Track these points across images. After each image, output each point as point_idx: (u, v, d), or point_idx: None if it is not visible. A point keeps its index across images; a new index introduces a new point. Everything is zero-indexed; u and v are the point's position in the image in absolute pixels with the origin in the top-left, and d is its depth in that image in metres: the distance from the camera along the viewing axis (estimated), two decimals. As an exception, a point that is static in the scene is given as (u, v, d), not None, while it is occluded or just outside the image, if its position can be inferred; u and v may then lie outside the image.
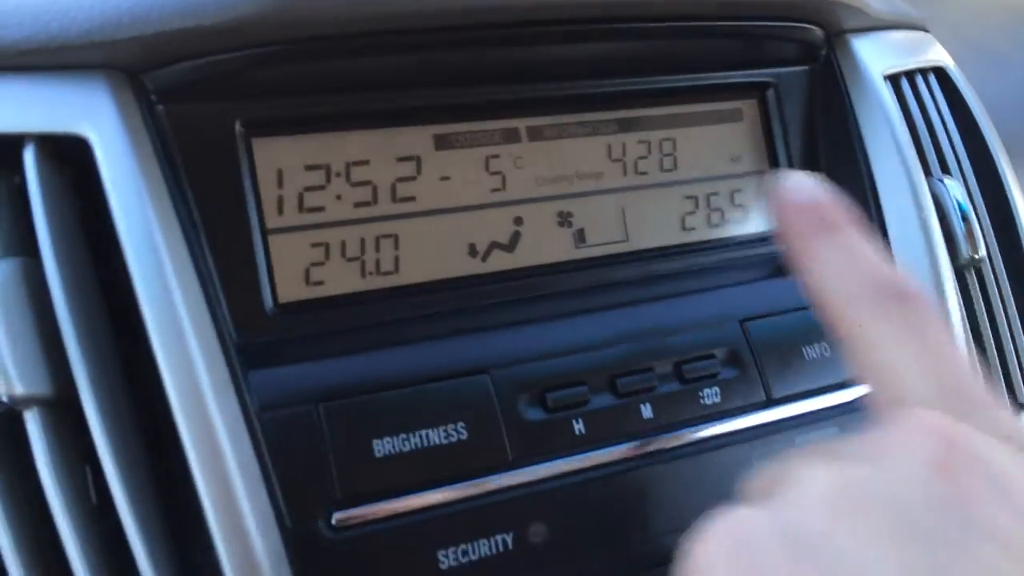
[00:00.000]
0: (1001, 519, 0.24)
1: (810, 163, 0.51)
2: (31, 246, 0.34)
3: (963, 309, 0.49)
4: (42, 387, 0.32)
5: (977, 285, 0.51)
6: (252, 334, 0.38)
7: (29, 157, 0.34)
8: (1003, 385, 0.50)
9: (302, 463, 0.35)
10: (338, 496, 0.35)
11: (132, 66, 0.36)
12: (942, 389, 0.29)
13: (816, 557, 0.23)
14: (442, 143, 0.43)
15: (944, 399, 0.29)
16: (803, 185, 0.36)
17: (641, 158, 0.48)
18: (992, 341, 0.50)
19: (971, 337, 0.49)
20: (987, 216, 0.54)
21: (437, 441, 0.37)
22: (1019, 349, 0.52)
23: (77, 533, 0.31)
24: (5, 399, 0.31)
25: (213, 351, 0.34)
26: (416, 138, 0.43)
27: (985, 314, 0.51)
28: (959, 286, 0.49)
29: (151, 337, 0.33)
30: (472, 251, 0.43)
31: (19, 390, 0.31)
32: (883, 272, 0.33)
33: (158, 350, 0.33)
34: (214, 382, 0.34)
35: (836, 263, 0.33)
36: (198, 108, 0.38)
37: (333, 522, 0.35)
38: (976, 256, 0.50)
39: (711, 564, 0.25)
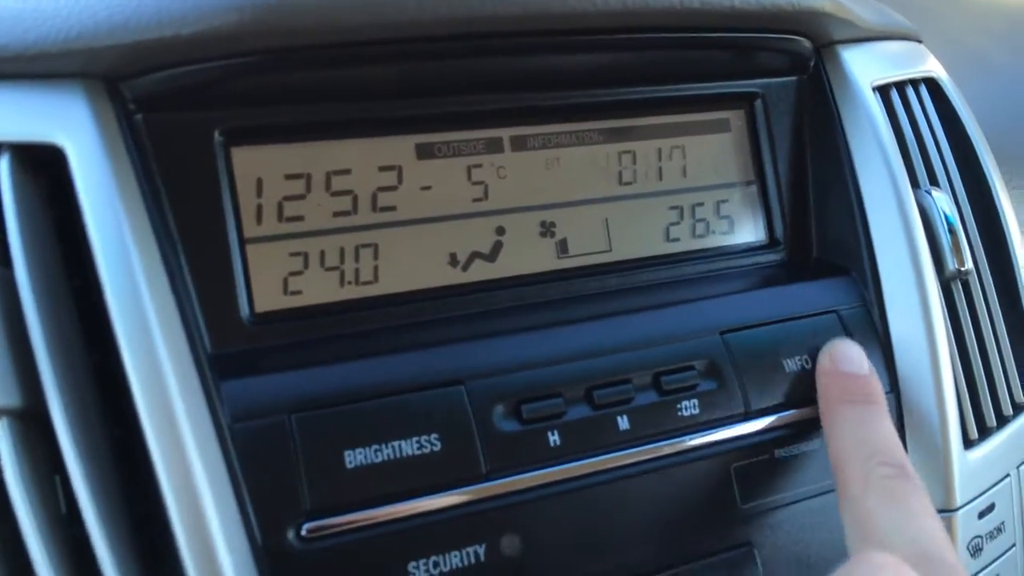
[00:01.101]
0: None
1: (797, 174, 0.51)
2: (3, 255, 0.34)
3: (948, 322, 0.48)
4: (11, 398, 0.32)
5: (964, 298, 0.50)
6: (227, 344, 0.38)
7: (3, 166, 0.34)
8: (989, 400, 0.50)
9: (273, 474, 0.35)
10: (309, 507, 0.35)
11: (110, 74, 0.36)
12: (911, 551, 0.34)
13: None
14: (424, 152, 0.43)
15: (910, 559, 0.33)
16: (848, 356, 0.43)
17: (626, 168, 0.48)
18: (978, 354, 0.50)
19: (956, 350, 0.49)
20: (975, 228, 0.53)
21: (410, 452, 0.37)
22: (1005, 361, 0.52)
23: (43, 541, 0.31)
24: (-27, 409, 0.31)
25: (184, 362, 0.34)
26: (398, 147, 0.43)
27: (971, 327, 0.50)
28: (945, 298, 0.49)
29: (121, 347, 0.33)
30: (453, 261, 0.43)
31: (-12, 400, 0.31)
32: (889, 448, 0.39)
33: (128, 361, 0.33)
34: (184, 393, 0.34)
35: (852, 431, 0.40)
36: (176, 117, 0.38)
37: (303, 533, 0.35)
38: (963, 268, 0.49)
39: None
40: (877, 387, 0.43)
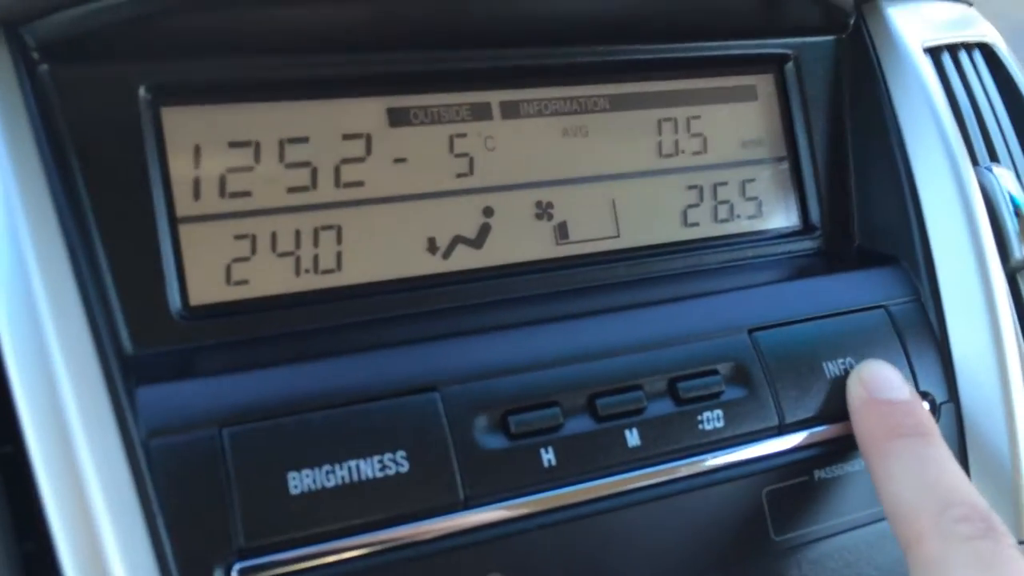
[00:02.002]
0: None
1: (836, 149, 0.45)
2: None
3: (1016, 318, 0.42)
4: None
5: (1032, 291, 0.44)
6: (152, 343, 0.32)
7: None
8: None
9: (197, 502, 0.28)
10: (242, 543, 0.28)
11: (7, 16, 0.31)
12: None
13: None
14: (397, 118, 0.38)
15: None
16: (884, 380, 0.37)
17: (636, 141, 0.42)
18: (1050, 357, 0.43)
19: (1025, 352, 0.42)
20: (1042, 211, 0.46)
21: (370, 474, 0.30)
22: (1081, 366, 0.45)
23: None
24: None
25: (87, 365, 0.28)
26: (366, 111, 0.37)
27: (1042, 325, 0.43)
28: (1011, 292, 0.42)
29: (3, 348, 0.27)
30: (431, 247, 0.38)
31: None
32: (963, 493, 0.33)
33: (11, 363, 0.27)
34: (85, 403, 0.27)
35: (912, 473, 0.33)
36: (92, 70, 0.32)
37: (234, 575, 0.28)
38: (1031, 257, 0.43)
39: None
40: (926, 413, 0.36)
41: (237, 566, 0.28)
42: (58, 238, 0.29)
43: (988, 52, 0.50)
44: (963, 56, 0.48)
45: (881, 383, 0.37)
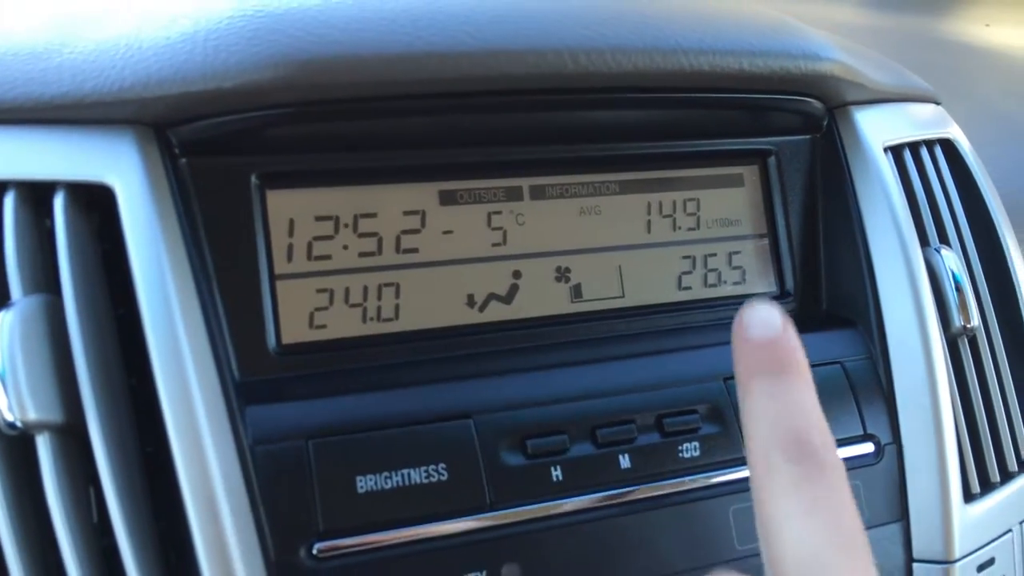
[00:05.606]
0: None
1: (809, 229, 0.53)
2: (55, 284, 0.37)
3: (952, 378, 0.50)
4: (53, 414, 0.35)
5: (970, 354, 0.52)
6: (255, 372, 0.40)
7: (59, 203, 0.38)
8: (993, 455, 0.51)
9: (289, 495, 0.37)
10: (321, 528, 0.37)
11: (158, 121, 0.40)
12: (815, 562, 0.30)
13: None
14: (447, 199, 0.46)
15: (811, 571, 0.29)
16: (765, 320, 0.36)
17: (641, 219, 0.50)
18: (983, 408, 0.51)
19: (961, 404, 0.50)
20: (986, 286, 0.54)
21: (418, 480, 0.39)
22: (1012, 418, 0.53)
23: (76, 549, 0.34)
24: (19, 424, 0.34)
25: (212, 388, 0.37)
26: (422, 193, 0.45)
27: (977, 382, 0.51)
28: (951, 354, 0.50)
29: (155, 372, 0.36)
30: (470, 302, 0.46)
31: (32, 416, 0.34)
32: (806, 428, 0.33)
33: (160, 384, 0.36)
34: (211, 416, 0.36)
35: (765, 406, 0.34)
36: (218, 161, 0.41)
37: (315, 552, 0.37)
38: (968, 326, 0.51)
39: None
40: (790, 350, 0.35)
41: (317, 544, 0.37)
42: (193, 293, 0.38)
43: (948, 147, 0.59)
44: (924, 152, 0.56)
45: (753, 321, 0.36)
